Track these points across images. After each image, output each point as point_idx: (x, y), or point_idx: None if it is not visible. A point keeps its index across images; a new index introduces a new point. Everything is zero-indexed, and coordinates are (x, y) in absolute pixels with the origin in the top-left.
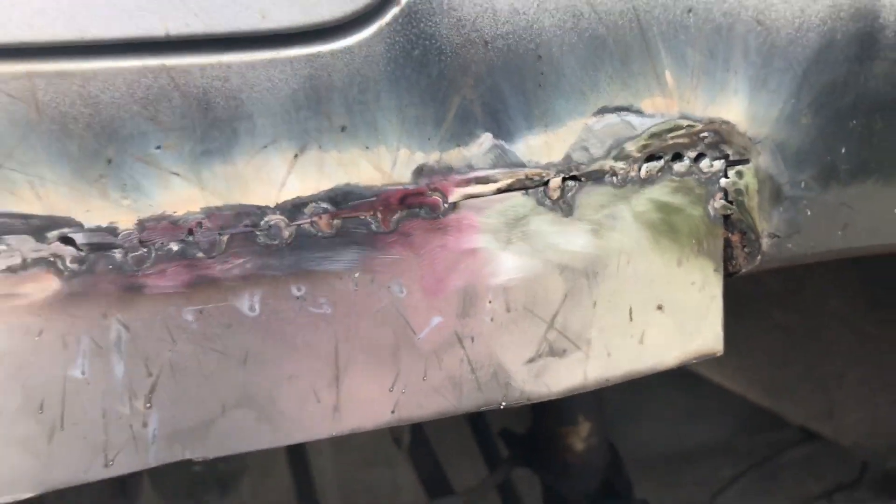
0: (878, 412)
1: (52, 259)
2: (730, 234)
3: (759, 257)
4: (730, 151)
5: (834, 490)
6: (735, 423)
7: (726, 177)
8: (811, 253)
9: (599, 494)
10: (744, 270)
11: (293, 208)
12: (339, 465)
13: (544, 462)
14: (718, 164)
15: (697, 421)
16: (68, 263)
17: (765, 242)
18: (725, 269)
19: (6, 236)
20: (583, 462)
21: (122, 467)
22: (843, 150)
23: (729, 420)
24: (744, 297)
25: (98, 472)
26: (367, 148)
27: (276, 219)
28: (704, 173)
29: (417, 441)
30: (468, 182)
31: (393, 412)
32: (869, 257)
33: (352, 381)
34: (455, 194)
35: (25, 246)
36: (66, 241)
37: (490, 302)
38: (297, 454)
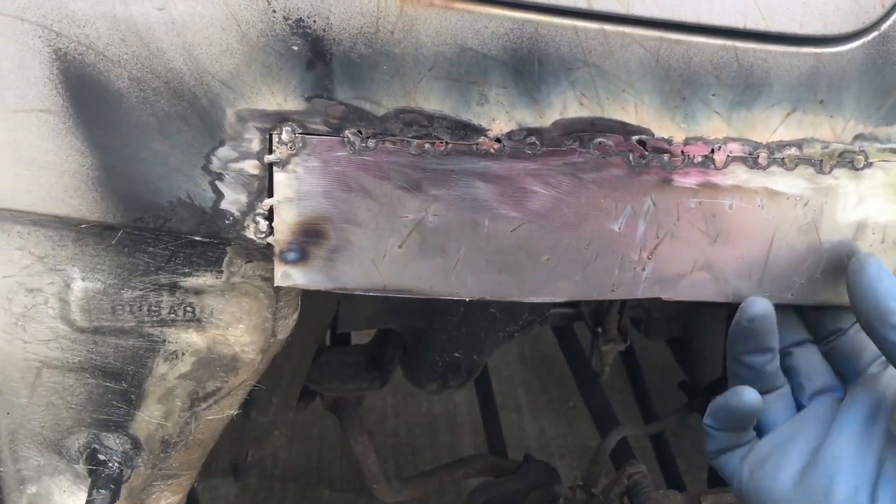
0: None
1: (625, 151)
2: None
3: None
4: None
5: None
6: None
7: None
8: None
9: None
10: None
11: (775, 146)
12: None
13: None
14: None
15: None
16: (633, 157)
17: None
18: None
19: (608, 134)
20: None
21: (619, 294)
22: None
23: None
24: None
25: (606, 294)
26: (831, 116)
27: (763, 152)
28: None
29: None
30: (884, 150)
31: (791, 294)
32: None
33: (773, 266)
34: (873, 157)
35: (613, 141)
36: (641, 143)
37: (873, 233)
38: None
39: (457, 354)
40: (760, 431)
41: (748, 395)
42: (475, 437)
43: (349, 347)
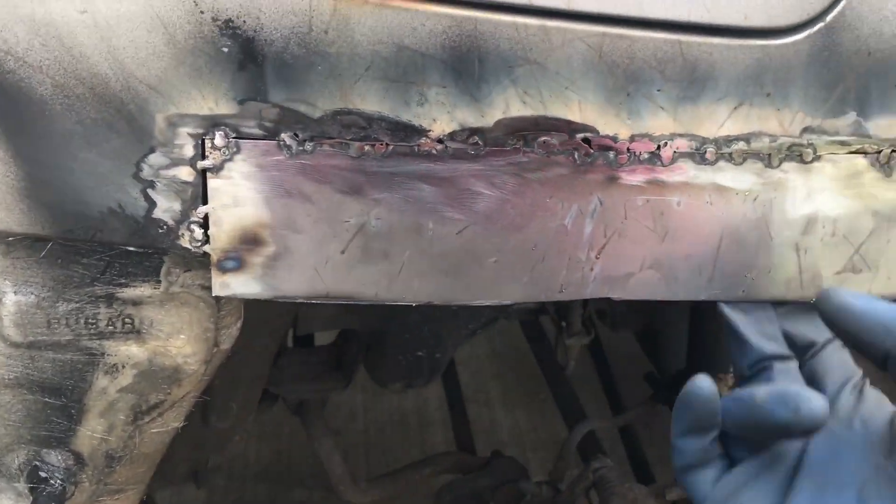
0: None
1: (570, 149)
2: None
3: None
4: None
5: None
6: None
7: None
8: None
9: None
10: None
11: (723, 141)
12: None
13: None
14: None
15: None
16: (578, 155)
17: None
18: None
19: (553, 132)
20: None
21: (567, 295)
22: None
23: None
24: None
25: (554, 296)
26: (778, 110)
27: (710, 147)
28: None
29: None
30: (833, 143)
31: (742, 291)
32: None
33: (724, 263)
34: (822, 150)
35: (557, 139)
36: (586, 141)
37: (823, 227)
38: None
39: (419, 353)
40: (735, 460)
41: (703, 381)
42: (447, 432)
43: (310, 349)
